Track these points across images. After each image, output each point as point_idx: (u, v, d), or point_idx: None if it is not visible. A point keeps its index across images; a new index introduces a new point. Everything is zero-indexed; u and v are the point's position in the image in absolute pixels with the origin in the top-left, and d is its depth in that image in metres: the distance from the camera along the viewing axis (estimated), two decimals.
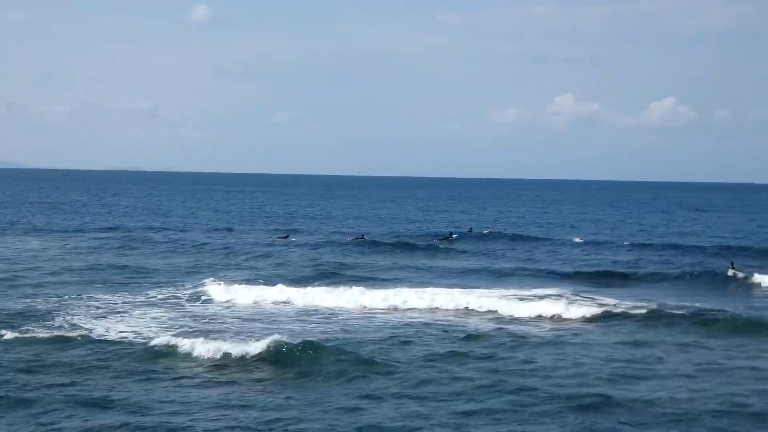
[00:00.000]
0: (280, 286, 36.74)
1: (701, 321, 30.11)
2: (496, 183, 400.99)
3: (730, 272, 44.33)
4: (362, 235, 63.32)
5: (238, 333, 27.22)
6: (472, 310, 32.99)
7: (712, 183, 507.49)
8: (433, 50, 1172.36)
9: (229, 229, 72.35)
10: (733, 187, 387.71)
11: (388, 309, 33.37)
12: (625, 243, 63.77)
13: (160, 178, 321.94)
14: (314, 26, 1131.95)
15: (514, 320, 31.23)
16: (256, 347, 23.72)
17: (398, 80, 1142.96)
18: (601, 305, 32.91)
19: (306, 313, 31.96)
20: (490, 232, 70.54)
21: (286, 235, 64.61)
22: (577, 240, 65.76)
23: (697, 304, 33.55)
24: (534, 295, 35.53)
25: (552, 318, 31.41)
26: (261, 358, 23.26)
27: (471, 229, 72.46)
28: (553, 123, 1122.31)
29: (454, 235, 65.69)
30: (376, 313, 32.48)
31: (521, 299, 34.15)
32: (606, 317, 31.16)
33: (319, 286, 37.60)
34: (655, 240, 68.33)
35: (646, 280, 44.14)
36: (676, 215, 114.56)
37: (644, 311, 31.54)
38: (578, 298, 35.24)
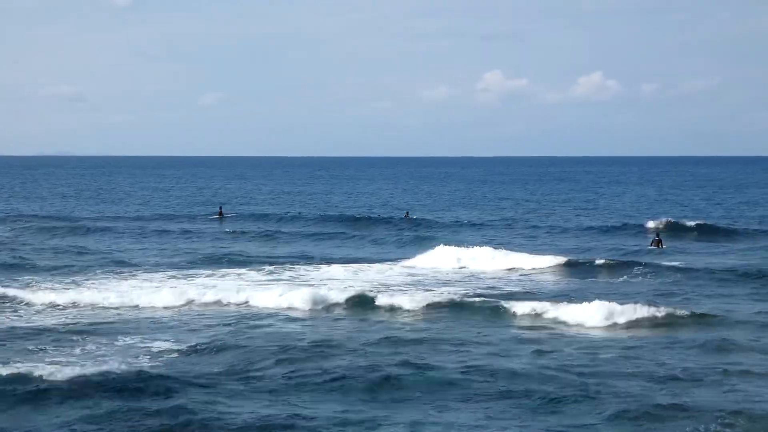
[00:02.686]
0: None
1: None
2: (426, 162, 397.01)
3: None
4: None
5: None
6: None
7: (642, 157, 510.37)
8: (351, 28, 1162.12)
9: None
10: (664, 160, 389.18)
11: None
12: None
13: (91, 164, 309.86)
14: (237, 7, 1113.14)
15: None
16: None
17: (322, 59, 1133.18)
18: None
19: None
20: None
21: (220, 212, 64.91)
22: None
23: None
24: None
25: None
26: None
27: (407, 213, 67.07)
28: (483, 99, 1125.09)
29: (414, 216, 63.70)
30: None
31: None
32: None
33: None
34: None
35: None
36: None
37: None
38: None
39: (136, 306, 28.36)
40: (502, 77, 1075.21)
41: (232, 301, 29.06)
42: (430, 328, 24.74)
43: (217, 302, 28.99)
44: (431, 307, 27.53)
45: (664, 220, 54.75)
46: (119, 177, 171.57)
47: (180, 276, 34.92)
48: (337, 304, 28.37)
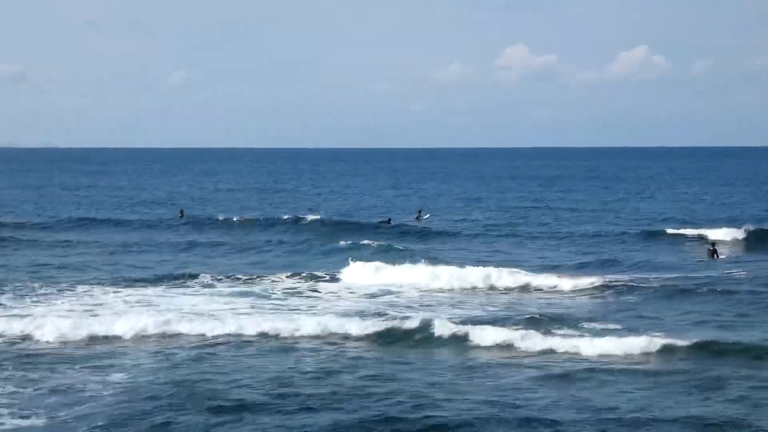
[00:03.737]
0: None
1: None
2: (434, 154, 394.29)
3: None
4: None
5: None
6: None
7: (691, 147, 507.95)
8: None
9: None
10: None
11: None
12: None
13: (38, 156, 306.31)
14: None
15: None
16: None
17: (308, 32, 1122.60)
18: None
19: None
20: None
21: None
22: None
23: None
24: None
25: None
26: None
27: (420, 212, 69.97)
28: (504, 79, 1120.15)
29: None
30: None
31: None
32: None
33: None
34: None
35: None
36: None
37: None
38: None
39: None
40: (527, 52, 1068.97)
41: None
42: None
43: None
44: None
45: (721, 229, 54.12)
46: (66, 174, 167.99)
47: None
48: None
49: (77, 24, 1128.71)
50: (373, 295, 35.45)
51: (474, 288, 36.91)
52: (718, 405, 19.70)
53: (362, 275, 39.06)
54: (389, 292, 36.15)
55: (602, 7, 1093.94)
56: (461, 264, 40.40)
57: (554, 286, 36.43)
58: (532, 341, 25.57)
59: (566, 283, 36.43)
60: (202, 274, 39.21)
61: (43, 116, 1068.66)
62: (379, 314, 30.36)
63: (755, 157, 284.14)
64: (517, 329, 26.84)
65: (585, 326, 27.81)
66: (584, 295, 35.08)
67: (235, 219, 64.56)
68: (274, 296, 34.83)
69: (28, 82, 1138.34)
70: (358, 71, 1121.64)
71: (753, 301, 32.23)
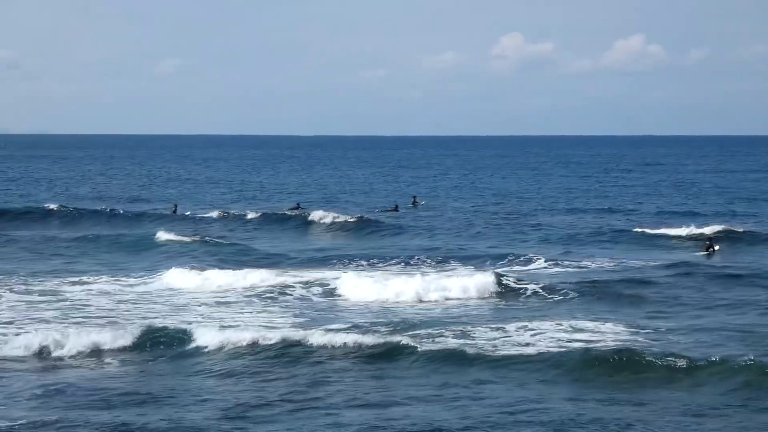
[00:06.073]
0: None
1: None
2: (427, 141, 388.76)
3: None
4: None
5: None
6: None
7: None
8: None
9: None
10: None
11: None
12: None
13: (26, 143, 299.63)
14: None
15: None
16: None
17: (303, 18, 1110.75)
18: None
19: None
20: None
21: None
22: None
23: None
24: None
25: None
26: None
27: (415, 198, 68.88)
28: (499, 68, 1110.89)
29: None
30: None
31: None
32: None
33: None
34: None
35: None
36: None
37: None
38: None
39: None
40: (522, 41, 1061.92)
41: None
42: None
43: None
44: None
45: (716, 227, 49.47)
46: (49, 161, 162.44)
47: None
48: None
49: (70, 10, 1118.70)
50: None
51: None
52: None
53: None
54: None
55: None
56: None
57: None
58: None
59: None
60: None
61: (35, 102, 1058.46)
62: None
63: (748, 144, 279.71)
64: None
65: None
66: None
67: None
68: None
69: (19, 68, 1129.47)
70: (351, 57, 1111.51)
71: None
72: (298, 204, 64.01)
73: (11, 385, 20.70)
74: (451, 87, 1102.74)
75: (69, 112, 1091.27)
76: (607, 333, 25.11)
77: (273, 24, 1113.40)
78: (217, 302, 30.89)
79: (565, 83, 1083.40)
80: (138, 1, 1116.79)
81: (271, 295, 31.90)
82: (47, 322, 26.89)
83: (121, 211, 60.16)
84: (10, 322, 26.93)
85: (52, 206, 59.88)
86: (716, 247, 42.77)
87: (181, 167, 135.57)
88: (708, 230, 47.67)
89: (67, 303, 30.06)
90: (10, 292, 31.56)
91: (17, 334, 24.78)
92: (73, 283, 33.46)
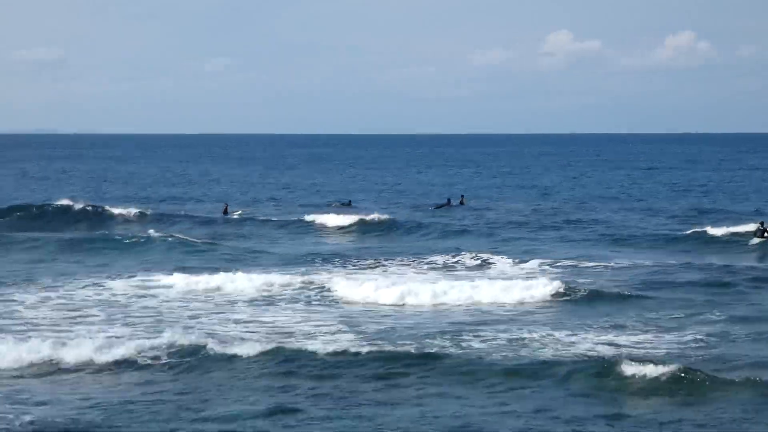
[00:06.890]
0: None
1: None
2: (479, 139, 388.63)
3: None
4: (349, 201, 67.41)
5: None
6: None
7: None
8: None
9: None
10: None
11: None
12: None
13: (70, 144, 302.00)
14: None
15: None
16: None
17: (348, 16, 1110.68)
18: None
19: None
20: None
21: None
22: None
23: None
24: None
25: None
26: None
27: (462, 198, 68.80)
28: (547, 65, 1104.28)
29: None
30: None
31: None
32: None
33: None
34: None
35: None
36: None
37: None
38: None
39: None
40: (570, 38, 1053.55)
41: None
42: None
43: None
44: None
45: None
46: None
47: None
48: None
49: (117, 10, 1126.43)
50: None
51: None
52: None
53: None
54: None
55: None
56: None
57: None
58: None
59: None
60: None
61: (82, 102, 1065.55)
62: None
63: None
64: None
65: None
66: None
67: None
68: None
69: (67, 68, 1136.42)
70: (395, 56, 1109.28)
71: None
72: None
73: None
74: (496, 85, 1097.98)
75: (116, 111, 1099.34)
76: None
77: (317, 20, 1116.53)
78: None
79: (612, 81, 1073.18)
80: (180, 3, 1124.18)
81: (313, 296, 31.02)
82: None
83: (182, 213, 59.14)
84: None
85: (134, 210, 57.70)
86: None
87: (239, 167, 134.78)
88: None
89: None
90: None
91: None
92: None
